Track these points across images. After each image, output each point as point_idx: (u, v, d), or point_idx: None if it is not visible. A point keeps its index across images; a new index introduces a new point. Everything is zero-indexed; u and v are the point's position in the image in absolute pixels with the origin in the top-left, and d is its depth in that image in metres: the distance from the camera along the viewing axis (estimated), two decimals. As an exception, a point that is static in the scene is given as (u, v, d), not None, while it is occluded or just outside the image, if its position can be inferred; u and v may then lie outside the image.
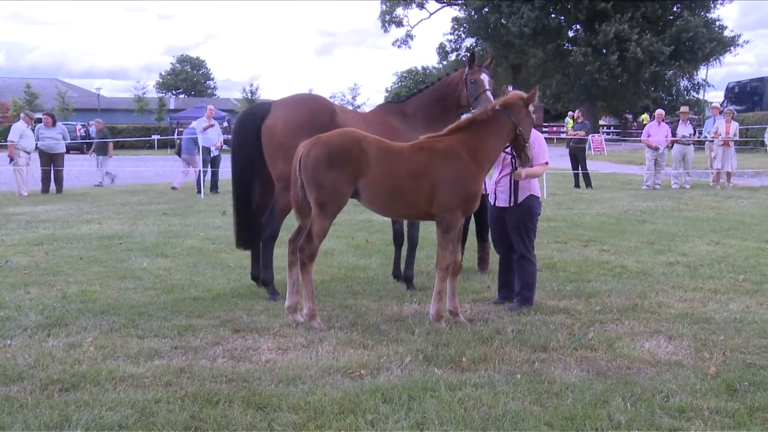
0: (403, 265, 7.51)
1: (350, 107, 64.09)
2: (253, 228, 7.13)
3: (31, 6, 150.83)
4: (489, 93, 7.14)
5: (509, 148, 6.21)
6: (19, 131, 18.10)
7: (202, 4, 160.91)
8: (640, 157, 23.82)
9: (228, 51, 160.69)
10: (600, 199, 15.86)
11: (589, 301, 6.76)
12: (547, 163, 6.67)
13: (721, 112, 20.24)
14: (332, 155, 5.65)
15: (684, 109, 20.09)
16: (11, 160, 18.15)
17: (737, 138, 19.56)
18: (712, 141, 19.24)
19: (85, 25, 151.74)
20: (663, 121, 19.19)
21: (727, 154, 18.57)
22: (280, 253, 7.71)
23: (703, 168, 20.62)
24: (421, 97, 7.55)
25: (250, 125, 7.00)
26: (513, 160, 6.38)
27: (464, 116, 6.76)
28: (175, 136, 45.89)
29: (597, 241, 10.16)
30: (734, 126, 18.81)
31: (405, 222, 7.41)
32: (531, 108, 5.98)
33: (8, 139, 18.27)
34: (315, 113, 6.93)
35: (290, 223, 6.64)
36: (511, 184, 6.50)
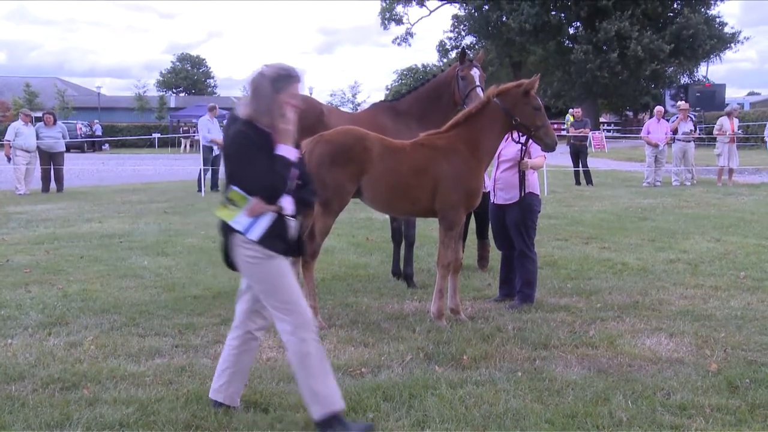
0: (402, 264, 7.50)
1: (350, 105, 64.11)
2: None
3: (33, 5, 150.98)
4: (479, 90, 7.08)
5: (524, 139, 6.05)
6: (15, 130, 18.07)
7: (205, 3, 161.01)
8: (641, 154, 23.77)
9: (230, 49, 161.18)
10: (601, 197, 15.84)
11: (589, 298, 6.76)
12: (545, 156, 6.62)
13: (688, 114, 20.09)
14: (335, 153, 5.64)
15: (684, 106, 20.06)
16: (9, 159, 18.17)
17: (741, 134, 19.54)
18: (683, 140, 19.05)
19: (88, 24, 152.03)
20: (663, 117, 19.17)
21: (731, 151, 18.57)
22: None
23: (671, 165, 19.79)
24: (415, 96, 7.51)
25: None
26: (522, 150, 6.32)
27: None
28: (180, 134, 45.99)
29: (598, 238, 10.15)
30: (735, 123, 18.83)
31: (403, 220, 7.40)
32: (532, 94, 5.76)
33: (5, 138, 18.28)
34: (302, 112, 6.93)
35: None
36: (519, 177, 6.44)
